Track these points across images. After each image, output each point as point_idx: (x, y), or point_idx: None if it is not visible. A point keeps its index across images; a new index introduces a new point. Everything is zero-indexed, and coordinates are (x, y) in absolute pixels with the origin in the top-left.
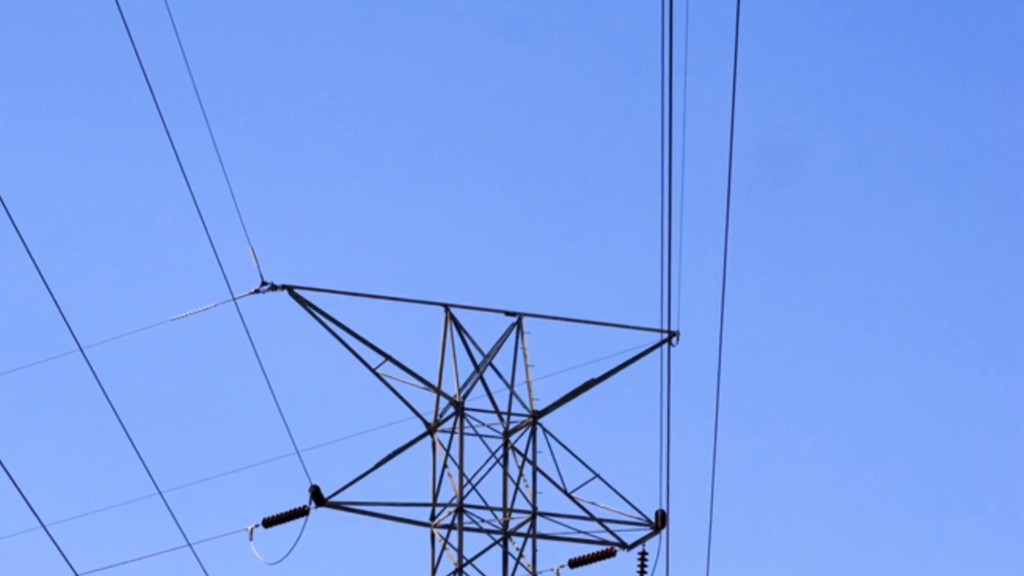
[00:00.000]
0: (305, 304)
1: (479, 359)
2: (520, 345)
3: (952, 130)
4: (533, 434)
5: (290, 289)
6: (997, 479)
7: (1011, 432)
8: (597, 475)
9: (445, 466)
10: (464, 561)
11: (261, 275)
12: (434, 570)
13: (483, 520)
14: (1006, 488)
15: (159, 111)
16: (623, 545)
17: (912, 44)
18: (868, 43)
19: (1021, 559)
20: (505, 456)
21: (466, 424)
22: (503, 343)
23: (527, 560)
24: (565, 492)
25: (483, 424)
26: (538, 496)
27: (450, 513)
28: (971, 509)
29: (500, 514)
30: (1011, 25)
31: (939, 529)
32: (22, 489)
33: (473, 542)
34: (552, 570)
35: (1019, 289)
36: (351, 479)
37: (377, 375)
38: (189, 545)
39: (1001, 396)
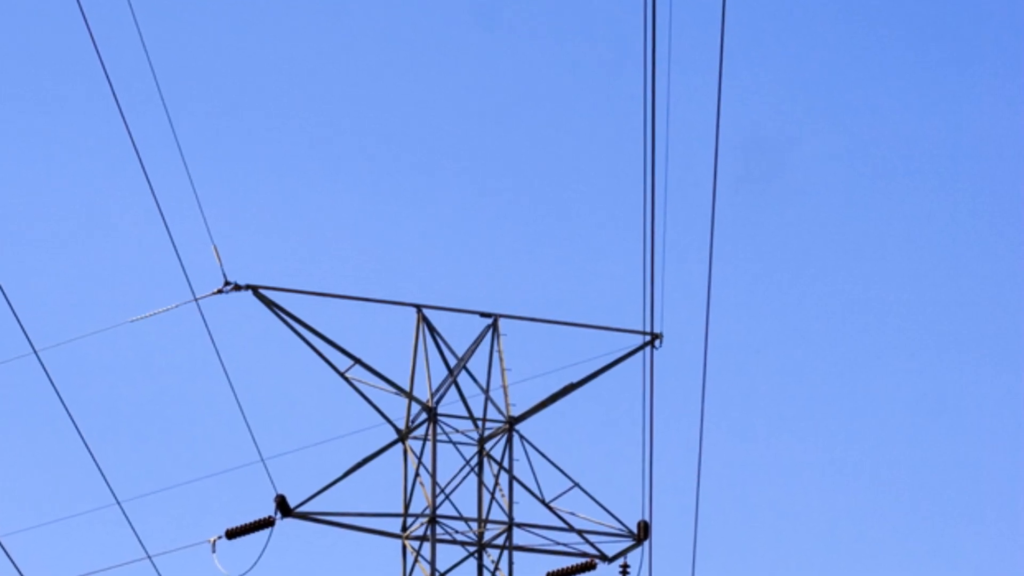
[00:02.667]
0: (270, 305)
1: (453, 363)
2: (496, 348)
3: (947, 121)
4: (509, 441)
5: (255, 289)
6: (997, 487)
7: (1012, 438)
8: (576, 484)
9: (417, 475)
10: (437, 574)
11: (224, 274)
12: None
13: (457, 531)
14: (1007, 497)
15: (118, 104)
16: (604, 558)
17: (904, 32)
18: (858, 31)
19: (1021, 570)
20: (480, 464)
21: (439, 431)
22: (478, 346)
23: (503, 573)
24: (543, 502)
25: (457, 431)
26: (515, 506)
27: (422, 524)
28: (970, 519)
29: (475, 525)
30: (1006, 16)
31: (936, 540)
32: None
33: (447, 554)
34: None
35: (1018, 287)
36: (319, 488)
37: (346, 379)
38: (149, 558)
39: (1001, 400)
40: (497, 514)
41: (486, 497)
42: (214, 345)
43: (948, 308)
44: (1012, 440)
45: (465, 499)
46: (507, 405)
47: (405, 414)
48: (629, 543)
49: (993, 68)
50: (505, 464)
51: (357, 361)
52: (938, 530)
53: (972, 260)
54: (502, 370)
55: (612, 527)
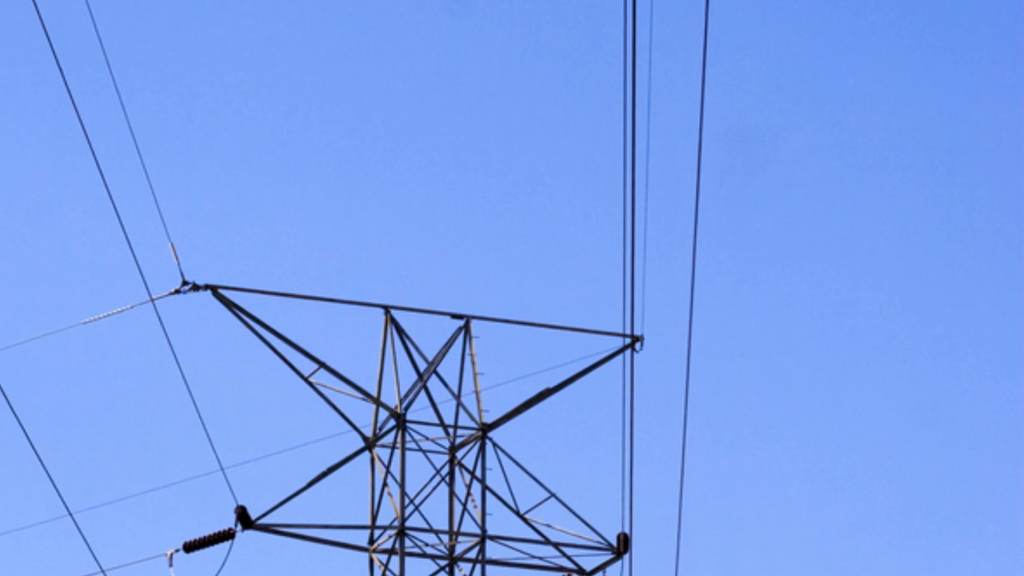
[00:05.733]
0: (231, 306)
1: (423, 367)
2: (468, 351)
3: (940, 111)
4: (482, 449)
5: (214, 289)
6: (993, 496)
7: (1010, 445)
8: (553, 495)
9: (385, 484)
10: None
11: (182, 274)
12: None
13: (427, 544)
14: (1003, 505)
15: (70, 95)
16: (581, 572)
17: (895, 18)
18: (847, 17)
19: None
20: (451, 473)
21: (408, 438)
22: (449, 349)
23: None
24: (518, 513)
25: (427, 438)
26: (488, 518)
27: (391, 536)
28: (965, 530)
29: (446, 538)
30: (1000, 3)
31: (929, 552)
32: None
33: (416, 568)
34: None
35: (1016, 287)
36: (281, 499)
37: (310, 384)
38: (103, 572)
39: (999, 406)
40: (469, 526)
41: (457, 508)
42: (171, 348)
43: (942, 309)
44: (1010, 447)
45: (435, 510)
46: (480, 411)
47: (372, 421)
48: (608, 556)
49: (988, 56)
50: (478, 473)
51: (322, 365)
52: (932, 541)
53: (968, 258)
54: (474, 374)
55: (590, 540)
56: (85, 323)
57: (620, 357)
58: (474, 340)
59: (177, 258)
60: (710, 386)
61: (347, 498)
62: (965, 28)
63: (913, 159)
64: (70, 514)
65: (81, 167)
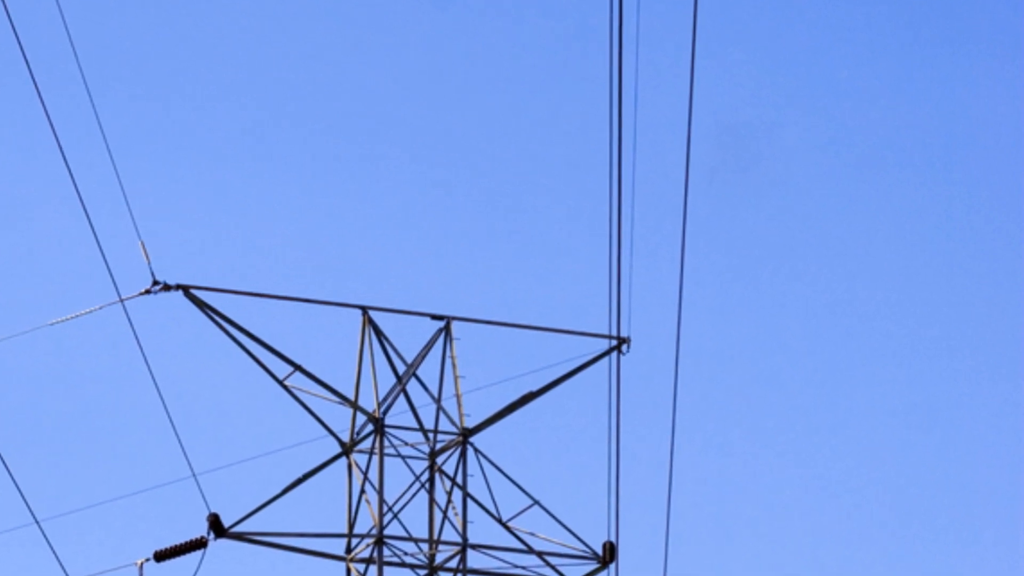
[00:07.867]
0: (203, 306)
1: (402, 369)
2: (448, 353)
3: (939, 106)
4: (463, 455)
5: (185, 289)
6: (993, 500)
7: (1010, 450)
8: (536, 502)
9: (363, 491)
10: None
11: (153, 273)
12: None
13: (406, 553)
14: (1004, 509)
15: (37, 90)
16: None
17: (891, 11)
18: (842, 10)
19: None
20: (431, 480)
21: (387, 443)
22: (429, 351)
23: None
24: (500, 521)
25: (406, 443)
26: (469, 526)
27: (368, 545)
28: (965, 535)
29: (425, 546)
30: None
31: (927, 557)
32: None
33: None
34: None
35: (1016, 287)
36: (255, 506)
37: (285, 388)
38: None
39: (998, 407)
40: (450, 534)
41: (438, 516)
42: (141, 350)
43: (940, 309)
44: (1009, 449)
45: (415, 518)
46: (461, 415)
47: (350, 425)
48: (594, 566)
49: (986, 51)
50: (459, 480)
51: (297, 368)
52: (929, 546)
53: (966, 257)
54: (455, 377)
55: (575, 548)
56: (52, 324)
57: (606, 359)
58: (455, 342)
59: (147, 257)
60: (699, 389)
61: (323, 505)
62: (961, 22)
63: (909, 156)
64: (36, 522)
65: (49, 163)
